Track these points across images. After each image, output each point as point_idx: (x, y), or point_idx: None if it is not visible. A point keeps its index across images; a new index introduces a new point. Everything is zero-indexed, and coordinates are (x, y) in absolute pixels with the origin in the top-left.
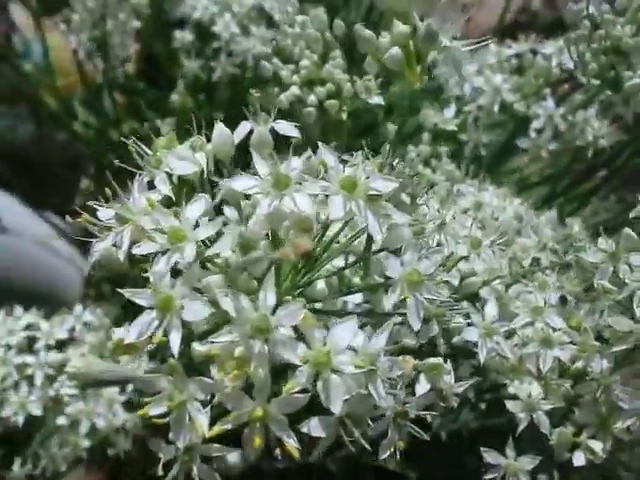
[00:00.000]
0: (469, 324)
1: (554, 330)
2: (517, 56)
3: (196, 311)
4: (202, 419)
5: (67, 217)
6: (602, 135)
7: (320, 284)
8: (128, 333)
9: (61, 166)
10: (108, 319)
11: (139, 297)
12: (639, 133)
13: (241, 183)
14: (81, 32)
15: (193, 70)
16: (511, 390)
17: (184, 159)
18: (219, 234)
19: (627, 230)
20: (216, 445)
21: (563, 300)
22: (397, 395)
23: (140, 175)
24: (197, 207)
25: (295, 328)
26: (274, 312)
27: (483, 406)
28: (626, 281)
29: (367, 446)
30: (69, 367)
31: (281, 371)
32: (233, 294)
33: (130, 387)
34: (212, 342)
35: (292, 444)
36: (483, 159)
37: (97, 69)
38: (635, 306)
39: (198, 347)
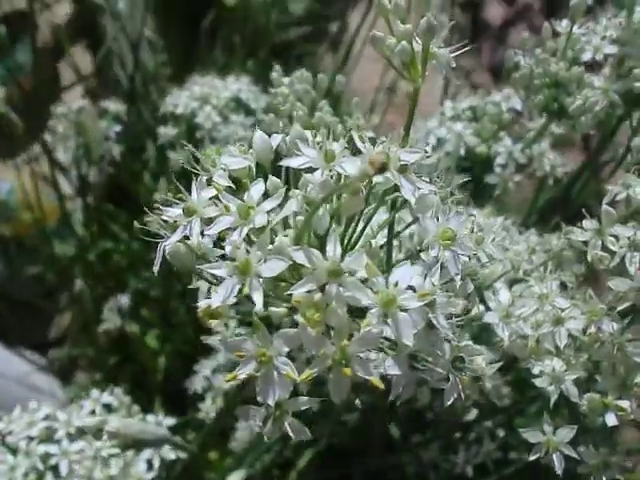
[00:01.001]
0: (487, 309)
1: (562, 310)
2: (470, 108)
3: (273, 267)
4: (290, 369)
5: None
6: (558, 165)
7: (373, 244)
8: (214, 300)
9: (36, 298)
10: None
11: (217, 269)
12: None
13: (297, 160)
14: (67, 140)
15: (178, 162)
16: (536, 370)
17: (236, 157)
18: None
19: (606, 207)
20: (304, 398)
21: (563, 287)
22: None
23: (198, 177)
24: (258, 188)
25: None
26: (342, 260)
27: (502, 433)
28: (615, 249)
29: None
30: (109, 427)
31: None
32: (304, 249)
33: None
34: (292, 294)
35: (376, 378)
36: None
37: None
38: (628, 266)
39: (275, 309)
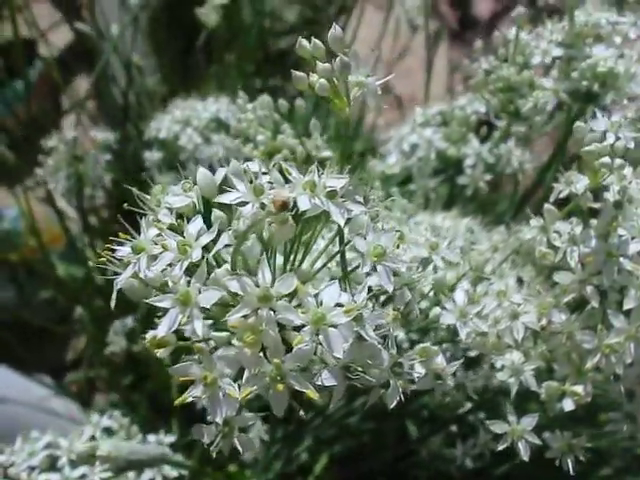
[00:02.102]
0: (443, 309)
1: (518, 305)
2: (440, 113)
3: (209, 297)
4: (233, 389)
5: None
6: (525, 161)
7: (304, 265)
8: (159, 330)
9: (50, 323)
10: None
11: (161, 301)
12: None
13: (230, 196)
14: (58, 171)
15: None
16: (498, 365)
17: (178, 196)
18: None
19: (547, 205)
20: (249, 414)
21: (521, 282)
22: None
23: (145, 216)
24: (196, 225)
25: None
26: (272, 286)
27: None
28: (557, 244)
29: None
30: (99, 452)
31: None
32: (237, 278)
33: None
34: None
35: (311, 391)
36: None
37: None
38: (569, 259)
39: (218, 334)
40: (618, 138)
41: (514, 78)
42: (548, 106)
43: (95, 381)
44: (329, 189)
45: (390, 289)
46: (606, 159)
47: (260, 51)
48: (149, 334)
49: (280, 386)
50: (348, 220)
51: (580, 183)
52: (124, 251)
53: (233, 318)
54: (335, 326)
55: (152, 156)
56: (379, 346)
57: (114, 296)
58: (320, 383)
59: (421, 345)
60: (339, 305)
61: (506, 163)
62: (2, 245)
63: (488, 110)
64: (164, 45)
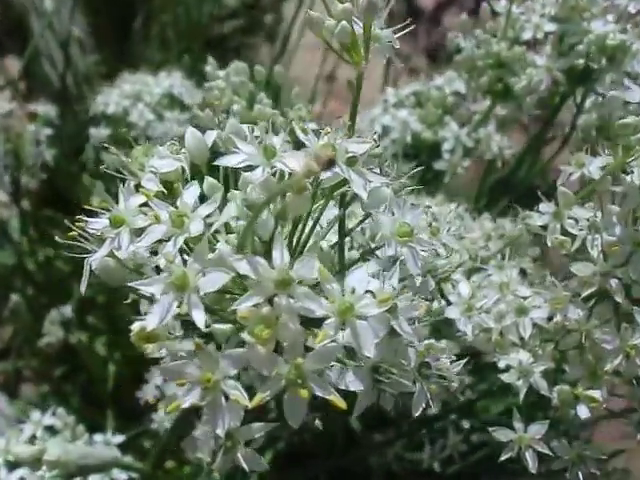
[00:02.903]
0: (448, 303)
1: (524, 299)
2: (414, 93)
3: (214, 281)
4: (240, 394)
5: None
6: (505, 147)
7: (323, 244)
8: (148, 321)
9: None
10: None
11: (149, 286)
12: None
13: (235, 158)
14: None
15: (112, 164)
16: (502, 364)
17: (166, 158)
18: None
19: (562, 188)
20: (257, 424)
21: (522, 273)
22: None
23: (128, 181)
24: (192, 192)
25: None
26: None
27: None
28: (574, 232)
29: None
30: (47, 456)
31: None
32: (248, 258)
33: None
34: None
35: (336, 397)
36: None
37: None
38: (590, 249)
39: (220, 326)
40: None
41: (505, 53)
42: (542, 85)
43: (22, 371)
44: (350, 155)
45: (417, 272)
46: None
47: (201, 34)
48: (136, 325)
49: (303, 391)
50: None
51: (593, 165)
52: (99, 224)
53: (243, 307)
54: (364, 318)
55: (98, 133)
56: (409, 343)
57: (85, 278)
58: (344, 387)
59: (426, 342)
60: (368, 292)
61: (486, 147)
62: None
63: (467, 91)
64: (101, 22)
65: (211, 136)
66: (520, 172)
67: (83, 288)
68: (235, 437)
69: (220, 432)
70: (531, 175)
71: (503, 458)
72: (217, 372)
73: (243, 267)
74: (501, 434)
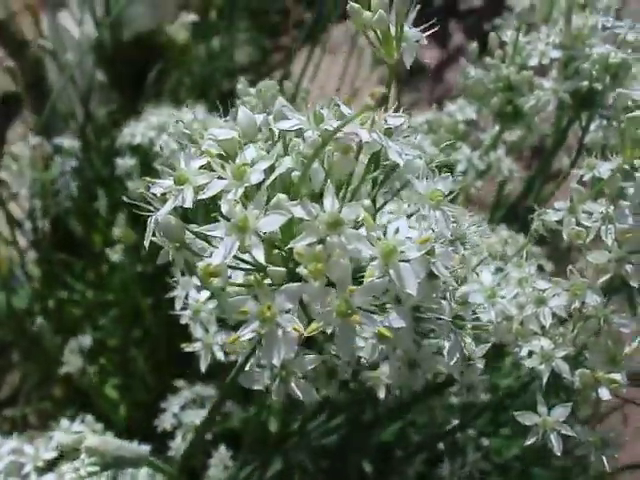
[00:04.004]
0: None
1: (544, 291)
2: (426, 122)
3: (272, 222)
4: (296, 324)
5: None
6: (515, 169)
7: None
8: (214, 258)
9: None
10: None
11: (214, 230)
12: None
13: (288, 123)
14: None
15: (137, 191)
16: (524, 352)
17: (223, 128)
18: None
19: (575, 185)
20: (310, 355)
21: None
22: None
23: (186, 149)
24: (251, 152)
25: None
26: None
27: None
28: (588, 224)
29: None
30: (87, 443)
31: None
32: (302, 203)
33: None
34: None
35: (385, 331)
36: None
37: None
38: (604, 237)
39: (275, 268)
40: None
41: (514, 77)
42: (550, 106)
43: (28, 416)
44: (387, 126)
45: (448, 235)
46: None
47: (213, 88)
48: (202, 263)
49: (355, 317)
50: None
51: (603, 167)
52: (163, 185)
53: (299, 245)
54: (407, 261)
55: (125, 163)
56: (446, 287)
57: (148, 236)
58: (388, 324)
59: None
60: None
61: (497, 170)
62: None
63: (478, 117)
64: (116, 76)
65: (260, 118)
66: (529, 199)
67: (147, 242)
68: (289, 368)
69: (276, 362)
70: (539, 201)
71: (528, 443)
72: (274, 306)
73: (298, 211)
74: (526, 418)
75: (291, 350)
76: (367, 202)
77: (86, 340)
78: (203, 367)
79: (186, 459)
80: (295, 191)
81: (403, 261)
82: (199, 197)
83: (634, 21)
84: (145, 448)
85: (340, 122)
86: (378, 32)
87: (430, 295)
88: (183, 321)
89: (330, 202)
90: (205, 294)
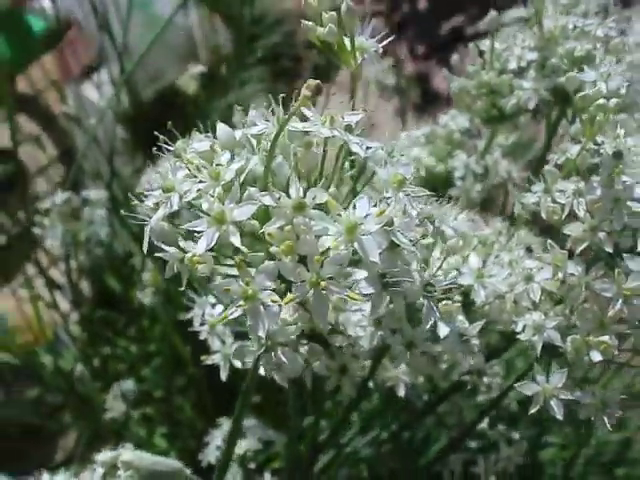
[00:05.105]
0: (461, 273)
1: (531, 270)
2: (423, 135)
3: (245, 211)
4: (274, 296)
5: None
6: (512, 170)
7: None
8: (197, 248)
9: (37, 421)
10: None
11: (197, 226)
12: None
13: (256, 128)
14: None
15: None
16: (519, 327)
17: (202, 141)
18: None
19: (548, 167)
20: (291, 326)
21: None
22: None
23: (172, 162)
24: (226, 156)
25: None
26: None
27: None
28: (562, 201)
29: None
30: (123, 458)
31: None
32: (270, 193)
33: None
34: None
35: (354, 295)
36: None
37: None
38: (577, 210)
39: (255, 254)
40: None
41: (494, 81)
42: (530, 104)
43: None
44: (346, 123)
45: (414, 214)
46: (602, 100)
47: None
48: (188, 254)
49: (322, 283)
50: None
51: (574, 149)
52: (154, 197)
53: (270, 228)
54: (368, 234)
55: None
56: (411, 255)
57: (145, 241)
58: (358, 292)
59: (442, 303)
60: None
61: (494, 172)
62: None
63: (471, 125)
64: (136, 134)
65: (238, 133)
66: None
67: (145, 247)
68: (274, 338)
69: (261, 333)
70: None
71: (532, 411)
72: (253, 284)
73: (267, 200)
74: (526, 388)
75: (273, 322)
76: (332, 189)
77: (128, 385)
78: (224, 376)
79: (220, 475)
80: (262, 183)
81: (365, 235)
82: (184, 200)
83: None
84: (179, 463)
85: (286, 118)
86: (334, 44)
87: (394, 263)
88: (202, 336)
89: (294, 189)
90: (219, 309)
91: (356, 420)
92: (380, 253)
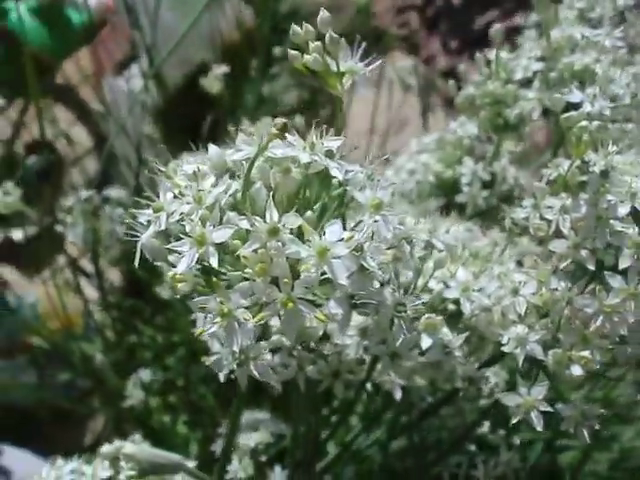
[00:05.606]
0: (446, 286)
1: (519, 283)
2: (435, 141)
3: (222, 234)
4: (247, 314)
5: None
6: (519, 177)
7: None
8: (178, 267)
9: (68, 403)
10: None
11: (180, 246)
12: None
13: (240, 154)
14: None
15: None
16: (504, 340)
17: (192, 163)
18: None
19: (537, 184)
20: (262, 342)
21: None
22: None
23: (164, 183)
24: (209, 180)
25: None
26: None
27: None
28: (549, 217)
29: None
30: (124, 450)
31: None
32: (247, 217)
33: None
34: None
35: (321, 315)
36: None
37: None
38: (562, 227)
39: (233, 273)
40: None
41: (499, 91)
42: (534, 114)
43: None
44: (327, 148)
45: (389, 236)
46: (584, 122)
47: None
48: (170, 272)
49: (290, 304)
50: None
51: (566, 164)
52: (147, 215)
53: (245, 251)
54: (338, 257)
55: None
56: (379, 278)
57: (137, 256)
58: (327, 312)
59: (426, 316)
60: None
61: (501, 179)
62: (22, 329)
63: (480, 131)
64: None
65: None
66: None
67: (137, 262)
68: (247, 353)
69: (235, 348)
70: None
71: (513, 422)
72: (230, 303)
73: (243, 223)
74: (509, 399)
75: (247, 338)
76: (309, 213)
77: (146, 374)
78: (222, 377)
79: (222, 468)
80: (240, 208)
81: (335, 258)
82: (171, 219)
83: None
84: (179, 456)
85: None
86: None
87: (364, 285)
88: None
89: (269, 215)
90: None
91: (358, 420)
92: (350, 275)
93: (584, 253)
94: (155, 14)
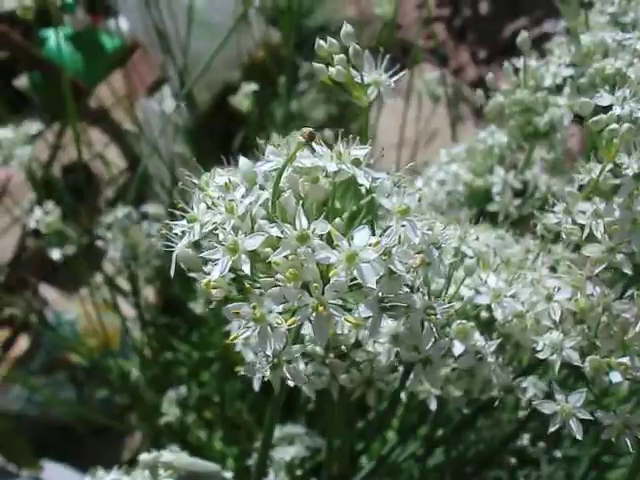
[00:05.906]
0: (478, 293)
1: (553, 289)
2: (465, 151)
3: (254, 242)
4: (280, 319)
5: None
6: (553, 185)
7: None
8: (212, 274)
9: (107, 420)
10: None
11: (212, 254)
12: None
13: (268, 165)
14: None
15: None
16: (539, 346)
17: (223, 176)
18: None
19: (569, 189)
20: (296, 346)
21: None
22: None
23: (197, 195)
24: (241, 191)
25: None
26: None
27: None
28: (582, 222)
29: None
30: (162, 459)
31: None
32: (277, 224)
33: None
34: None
35: (351, 318)
36: None
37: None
38: (595, 231)
39: (265, 279)
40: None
41: (528, 99)
42: (565, 121)
43: None
44: (353, 157)
45: (416, 241)
46: (614, 125)
47: None
48: (204, 279)
49: (321, 308)
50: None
51: (597, 168)
52: (181, 225)
53: (276, 257)
54: (367, 262)
55: None
56: (408, 282)
57: (173, 266)
58: (358, 315)
59: (457, 322)
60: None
61: (533, 187)
62: (62, 346)
63: (510, 140)
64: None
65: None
66: None
67: (172, 272)
68: (280, 357)
69: (268, 352)
70: None
71: (551, 430)
72: (262, 308)
73: (274, 230)
74: (545, 407)
75: (280, 342)
76: (337, 220)
77: (181, 390)
78: (257, 386)
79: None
80: (270, 216)
81: (364, 263)
82: (204, 230)
83: None
84: (217, 465)
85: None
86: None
87: (393, 288)
88: (237, 348)
89: (299, 222)
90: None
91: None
92: (379, 279)
93: (620, 257)
94: (187, 42)
